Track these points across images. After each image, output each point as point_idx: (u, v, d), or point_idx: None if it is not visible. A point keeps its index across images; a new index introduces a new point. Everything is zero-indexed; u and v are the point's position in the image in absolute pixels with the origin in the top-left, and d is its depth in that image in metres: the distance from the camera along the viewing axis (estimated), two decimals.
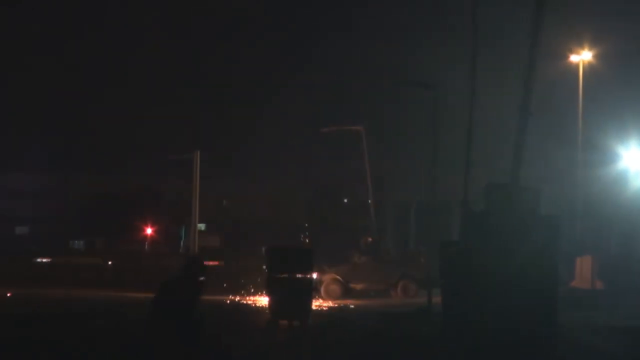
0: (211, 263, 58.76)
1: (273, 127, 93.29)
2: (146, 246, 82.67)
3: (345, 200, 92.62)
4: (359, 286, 50.26)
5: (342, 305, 45.07)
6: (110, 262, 66.44)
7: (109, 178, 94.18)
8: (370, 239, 53.41)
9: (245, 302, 45.90)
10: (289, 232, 78.36)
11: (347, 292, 49.80)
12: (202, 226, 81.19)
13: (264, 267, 34.91)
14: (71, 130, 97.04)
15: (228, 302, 45.23)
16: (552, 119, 56.46)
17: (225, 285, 51.88)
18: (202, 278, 18.32)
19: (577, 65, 56.95)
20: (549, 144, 57.48)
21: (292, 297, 32.56)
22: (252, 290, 49.50)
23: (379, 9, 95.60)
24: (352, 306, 44.35)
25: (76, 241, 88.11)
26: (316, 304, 42.13)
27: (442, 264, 29.80)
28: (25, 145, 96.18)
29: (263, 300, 40.92)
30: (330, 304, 45.59)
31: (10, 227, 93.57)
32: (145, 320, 17.86)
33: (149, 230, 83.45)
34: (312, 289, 34.44)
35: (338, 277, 49.90)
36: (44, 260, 66.80)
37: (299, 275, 33.17)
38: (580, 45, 56.99)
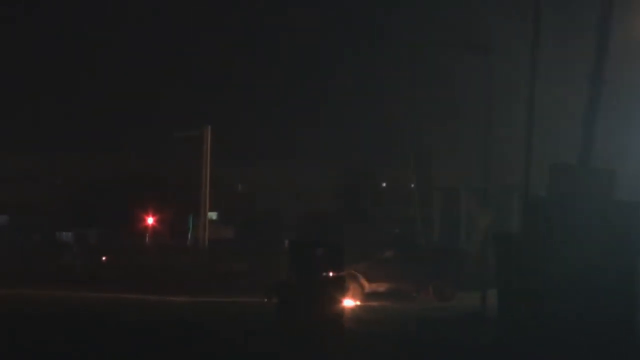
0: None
1: (300, 102, 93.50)
2: (147, 239, 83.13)
3: (384, 185, 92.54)
4: (382, 286, 49.18)
5: (367, 307, 44.99)
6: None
7: (104, 160, 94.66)
8: (397, 230, 52.75)
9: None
10: (317, 223, 78.46)
11: (368, 293, 48.91)
12: (213, 215, 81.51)
13: (288, 264, 35.23)
14: (59, 104, 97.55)
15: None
16: (628, 87, 56.12)
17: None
18: None
19: None
20: (624, 117, 57.18)
21: (321, 298, 32.87)
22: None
23: None
24: (380, 309, 44.25)
25: (64, 233, 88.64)
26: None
27: (498, 260, 29.77)
28: (4, 121, 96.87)
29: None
30: (352, 305, 45.21)
31: None
32: None
33: (150, 220, 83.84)
34: (344, 290, 34.65)
35: (358, 274, 48.73)
36: None
37: (328, 274, 33.44)
38: None
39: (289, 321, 33.18)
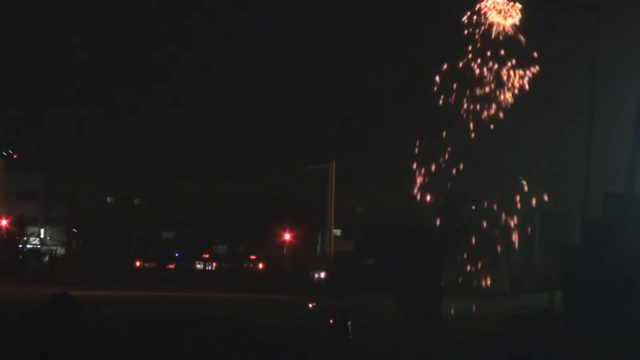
0: None
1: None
2: (285, 251, 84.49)
3: (473, 208, 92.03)
4: None
5: None
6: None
7: (250, 186, 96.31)
8: None
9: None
10: (422, 238, 78.66)
11: None
12: (337, 232, 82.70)
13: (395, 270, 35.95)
14: (218, 140, 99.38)
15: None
16: None
17: None
18: None
19: None
20: None
21: (422, 299, 33.46)
22: None
23: None
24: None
25: (219, 245, 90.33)
26: None
27: (564, 269, 30.33)
28: (177, 153, 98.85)
29: None
30: None
31: (158, 232, 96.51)
32: None
33: (287, 236, 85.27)
34: (441, 291, 35.06)
35: None
36: None
37: (429, 279, 34.05)
38: None
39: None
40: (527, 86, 40.26)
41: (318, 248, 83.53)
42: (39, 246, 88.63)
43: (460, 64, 40.78)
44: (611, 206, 27.48)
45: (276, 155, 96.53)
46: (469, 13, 40.10)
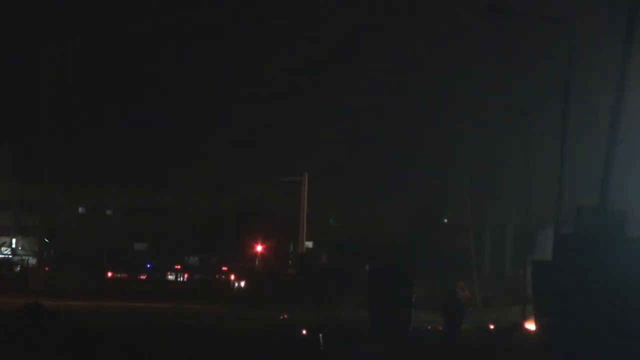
0: None
1: (379, 146, 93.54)
2: (257, 262, 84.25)
3: (446, 221, 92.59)
4: None
5: None
6: None
7: (222, 197, 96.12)
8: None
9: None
10: (392, 250, 79.03)
11: None
12: (309, 244, 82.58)
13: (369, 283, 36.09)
14: (192, 153, 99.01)
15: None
16: None
17: None
18: None
19: None
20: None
21: (393, 312, 33.65)
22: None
23: None
24: None
25: (191, 257, 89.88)
26: None
27: (535, 281, 30.43)
28: (150, 164, 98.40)
29: None
30: None
31: (130, 243, 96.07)
32: None
33: (259, 248, 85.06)
34: (412, 305, 35.24)
35: None
36: None
37: (400, 292, 34.22)
38: None
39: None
40: None
41: (290, 260, 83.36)
42: (10, 256, 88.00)
43: None
44: (583, 220, 27.54)
45: (249, 166, 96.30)
46: None
